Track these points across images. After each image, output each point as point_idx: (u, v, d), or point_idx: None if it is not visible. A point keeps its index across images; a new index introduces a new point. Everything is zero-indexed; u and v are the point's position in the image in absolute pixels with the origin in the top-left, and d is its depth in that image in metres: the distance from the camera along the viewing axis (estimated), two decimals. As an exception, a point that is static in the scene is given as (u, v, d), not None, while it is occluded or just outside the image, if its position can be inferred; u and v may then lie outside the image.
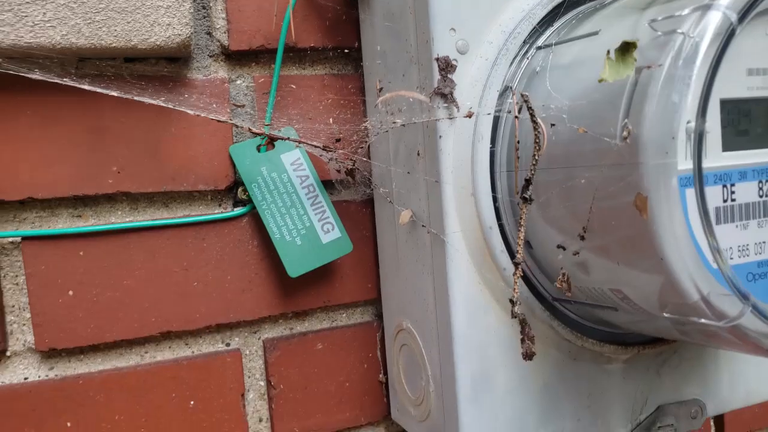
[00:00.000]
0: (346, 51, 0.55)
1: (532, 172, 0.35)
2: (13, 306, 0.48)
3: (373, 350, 0.58)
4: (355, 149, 0.51)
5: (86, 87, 0.44)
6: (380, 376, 0.58)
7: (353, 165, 0.52)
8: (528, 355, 0.36)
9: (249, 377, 0.55)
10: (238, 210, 0.53)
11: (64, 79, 0.42)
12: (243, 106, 0.52)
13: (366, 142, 0.50)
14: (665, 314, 0.35)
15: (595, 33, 0.37)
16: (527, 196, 0.36)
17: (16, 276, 0.48)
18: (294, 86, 0.54)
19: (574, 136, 0.35)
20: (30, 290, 0.48)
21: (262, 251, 0.54)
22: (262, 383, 0.55)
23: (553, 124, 0.35)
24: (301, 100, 0.54)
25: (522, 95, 0.35)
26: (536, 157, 0.35)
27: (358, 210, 0.57)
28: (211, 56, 0.52)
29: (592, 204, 0.33)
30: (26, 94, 0.46)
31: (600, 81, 0.32)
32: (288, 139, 0.49)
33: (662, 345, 0.48)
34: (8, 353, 0.48)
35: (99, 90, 0.44)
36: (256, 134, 0.50)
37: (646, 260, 0.33)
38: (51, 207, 0.48)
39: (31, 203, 0.48)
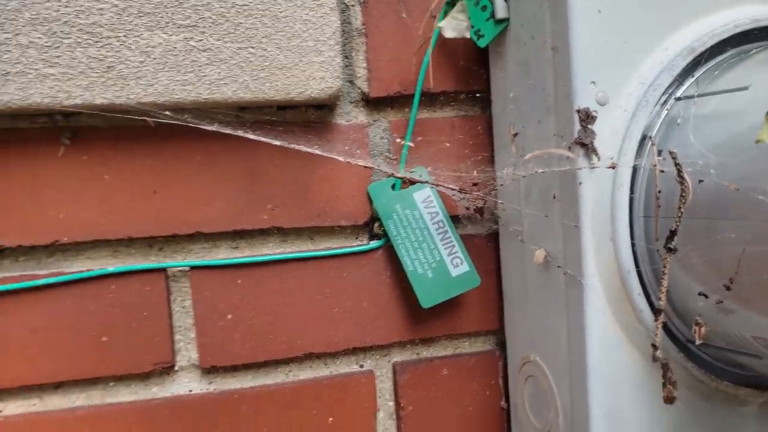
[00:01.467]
0: (476, 95, 0.58)
1: (677, 224, 0.37)
2: (180, 326, 0.54)
3: (495, 378, 0.61)
4: (489, 191, 0.54)
5: (252, 137, 0.50)
6: (502, 402, 0.61)
7: (484, 204, 0.55)
8: (669, 399, 0.38)
9: (380, 397, 0.59)
10: (374, 243, 0.57)
11: (237, 131, 0.48)
12: (386, 140, 0.56)
13: (501, 185, 0.53)
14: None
15: (745, 88, 0.38)
16: (672, 247, 0.38)
17: (184, 300, 0.54)
18: (426, 128, 0.57)
19: (719, 189, 0.37)
20: (195, 314, 0.54)
21: (393, 281, 0.58)
22: (392, 404, 0.59)
23: (701, 180, 0.37)
24: (432, 141, 0.58)
25: (670, 152, 0.37)
26: (681, 210, 0.37)
27: (483, 244, 0.60)
28: (352, 102, 0.56)
29: (741, 257, 0.35)
30: (196, 141, 0.52)
31: (757, 142, 0.33)
32: (427, 182, 0.53)
33: (798, 389, 0.48)
34: (176, 368, 0.54)
35: (264, 140, 0.49)
36: (396, 177, 0.54)
37: (795, 313, 0.34)
38: (213, 240, 0.54)
39: (197, 237, 0.54)
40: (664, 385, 0.38)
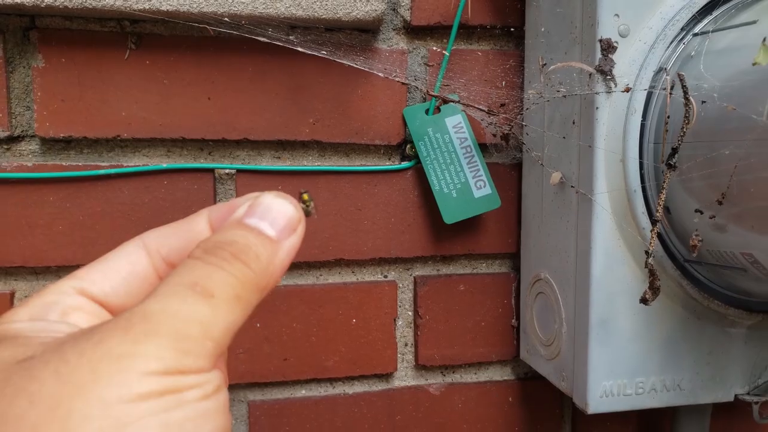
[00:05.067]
0: (510, 30, 0.62)
1: (679, 142, 0.41)
2: (224, 225, 0.60)
3: (507, 298, 0.66)
4: (515, 116, 0.58)
5: (300, 49, 0.54)
6: (513, 321, 0.66)
7: (509, 130, 0.59)
8: (644, 300, 0.42)
9: (400, 306, 0.64)
10: (405, 163, 0.62)
11: (288, 40, 0.53)
12: (425, 66, 0.60)
13: (527, 109, 0.57)
14: (792, 277, 0.40)
15: (753, 22, 0.41)
16: (672, 163, 0.42)
17: (229, 199, 0.60)
18: (462, 58, 0.61)
19: (721, 113, 0.40)
20: (238, 213, 0.59)
21: (420, 201, 0.63)
22: (411, 313, 0.65)
23: (704, 102, 0.40)
24: (467, 71, 0.62)
25: (678, 74, 0.40)
26: (684, 130, 0.41)
27: (507, 172, 0.64)
28: (394, 29, 0.60)
29: (733, 173, 0.39)
30: (248, 54, 0.57)
31: (754, 64, 0.37)
32: (458, 102, 0.57)
33: (787, 316, 0.52)
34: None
35: (310, 52, 0.54)
36: (429, 97, 0.59)
37: (779, 226, 0.38)
38: (258, 148, 0.60)
39: (244, 143, 0.59)
40: (649, 287, 0.42)
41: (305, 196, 0.33)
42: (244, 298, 0.25)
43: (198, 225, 0.30)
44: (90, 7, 0.51)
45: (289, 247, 0.28)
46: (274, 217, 0.28)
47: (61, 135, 0.55)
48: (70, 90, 0.55)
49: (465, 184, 0.61)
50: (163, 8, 0.51)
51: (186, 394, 0.23)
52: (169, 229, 0.31)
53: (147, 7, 0.51)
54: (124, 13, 0.52)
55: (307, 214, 0.31)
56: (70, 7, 0.50)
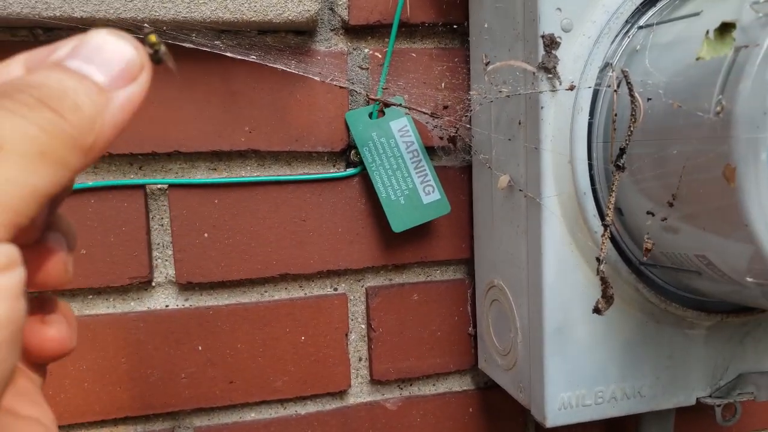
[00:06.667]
0: (454, 27, 0.59)
1: (627, 142, 0.39)
2: (158, 244, 0.56)
3: (463, 305, 0.63)
4: (460, 117, 0.55)
5: (229, 54, 0.51)
6: (469, 329, 0.63)
7: (456, 132, 0.56)
8: (597, 310, 0.40)
9: (352, 320, 0.61)
10: (351, 170, 0.59)
11: (214, 45, 0.49)
12: (365, 69, 0.57)
13: (470, 110, 0.54)
14: (749, 279, 0.38)
15: (697, 14, 0.39)
16: (621, 164, 0.39)
17: (162, 218, 0.56)
18: (405, 58, 0.58)
19: (668, 110, 0.38)
20: (173, 231, 0.56)
21: (368, 208, 0.60)
22: (363, 326, 0.62)
23: (649, 99, 0.38)
24: (410, 71, 0.59)
25: (622, 71, 0.38)
26: (631, 129, 0.38)
27: (457, 176, 0.61)
28: (332, 30, 0.57)
29: (682, 173, 0.37)
30: (176, 61, 0.53)
31: (697, 59, 0.35)
32: (400, 105, 0.54)
33: (747, 315, 0.50)
34: (153, 284, 0.57)
35: (239, 57, 0.50)
36: (371, 101, 0.56)
37: (732, 228, 0.36)
38: (192, 160, 0.56)
39: (176, 156, 0.55)
40: (602, 296, 0.40)
41: (152, 37, 0.27)
42: (53, 155, 0.20)
43: (11, 71, 0.24)
44: (-6, 15, 0.46)
45: (124, 98, 0.23)
46: (107, 60, 0.23)
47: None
48: (-22, 106, 0.50)
49: (413, 189, 0.58)
50: (77, 15, 0.47)
51: None
52: None
53: (58, 14, 0.47)
54: (35, 21, 0.48)
55: (155, 60, 0.26)
56: (-29, 16, 0.46)
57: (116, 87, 0.23)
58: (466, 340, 0.64)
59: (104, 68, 0.22)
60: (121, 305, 0.56)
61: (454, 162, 0.61)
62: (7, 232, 0.19)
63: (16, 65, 0.23)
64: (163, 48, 0.27)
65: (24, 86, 0.20)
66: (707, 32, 0.35)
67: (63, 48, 0.23)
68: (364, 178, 0.59)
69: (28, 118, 0.20)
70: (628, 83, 0.38)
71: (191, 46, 0.50)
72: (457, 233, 0.62)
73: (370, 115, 0.58)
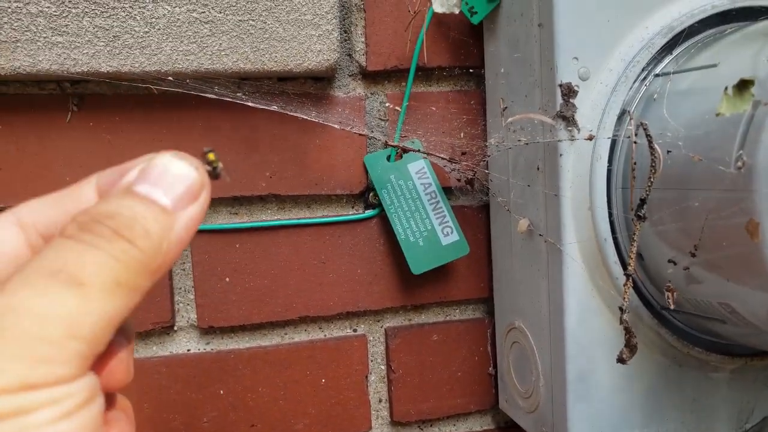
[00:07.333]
0: (470, 70, 0.60)
1: (647, 192, 0.39)
2: (180, 288, 0.57)
3: (483, 344, 0.63)
4: (478, 162, 0.56)
5: (251, 104, 0.52)
6: (489, 368, 0.63)
7: (473, 175, 0.57)
8: (620, 359, 0.40)
9: (372, 361, 0.61)
10: (369, 212, 0.59)
11: (236, 96, 0.50)
12: (385, 119, 0.58)
13: (488, 156, 0.55)
14: (773, 329, 0.38)
15: (714, 65, 0.40)
16: (641, 214, 0.40)
17: (184, 263, 0.57)
18: (422, 101, 0.59)
19: (688, 161, 0.39)
20: (195, 276, 0.57)
21: (387, 249, 0.60)
22: (383, 367, 0.62)
23: (669, 151, 0.39)
24: (428, 114, 0.60)
25: (642, 123, 0.38)
26: (651, 180, 0.39)
27: (474, 215, 0.62)
28: (350, 76, 0.58)
29: (704, 224, 0.37)
30: (197, 109, 0.55)
31: (717, 115, 0.35)
32: (418, 151, 0.55)
33: (770, 358, 0.50)
34: (175, 328, 0.57)
35: (260, 106, 0.51)
36: (389, 146, 0.56)
37: (756, 278, 0.36)
38: (213, 205, 0.57)
39: (199, 201, 0.56)
40: (625, 346, 0.40)
41: (211, 156, 0.28)
42: (127, 283, 0.21)
43: (84, 194, 0.25)
44: (24, 72, 0.48)
45: (187, 219, 0.24)
46: (171, 183, 0.24)
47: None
48: (6, 158, 0.52)
49: (431, 231, 0.58)
50: (103, 69, 0.49)
51: (32, 416, 0.18)
52: (50, 200, 0.26)
53: (86, 70, 0.48)
54: (63, 77, 0.49)
55: (214, 176, 0.27)
56: (2, 74, 0.47)
57: (180, 208, 0.24)
58: (486, 380, 0.63)
59: (169, 191, 0.24)
60: (143, 350, 0.56)
61: (472, 201, 0.61)
62: (89, 363, 0.20)
63: (88, 188, 0.25)
64: (220, 165, 0.28)
65: (101, 216, 0.22)
66: (726, 89, 0.35)
67: (132, 172, 0.24)
68: (383, 219, 0.60)
69: (106, 250, 0.21)
70: (648, 136, 0.38)
71: (214, 96, 0.51)
72: (476, 272, 0.62)
73: (388, 158, 0.58)
